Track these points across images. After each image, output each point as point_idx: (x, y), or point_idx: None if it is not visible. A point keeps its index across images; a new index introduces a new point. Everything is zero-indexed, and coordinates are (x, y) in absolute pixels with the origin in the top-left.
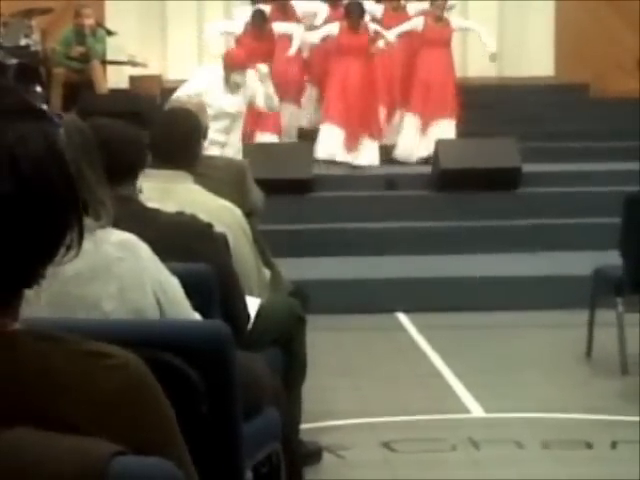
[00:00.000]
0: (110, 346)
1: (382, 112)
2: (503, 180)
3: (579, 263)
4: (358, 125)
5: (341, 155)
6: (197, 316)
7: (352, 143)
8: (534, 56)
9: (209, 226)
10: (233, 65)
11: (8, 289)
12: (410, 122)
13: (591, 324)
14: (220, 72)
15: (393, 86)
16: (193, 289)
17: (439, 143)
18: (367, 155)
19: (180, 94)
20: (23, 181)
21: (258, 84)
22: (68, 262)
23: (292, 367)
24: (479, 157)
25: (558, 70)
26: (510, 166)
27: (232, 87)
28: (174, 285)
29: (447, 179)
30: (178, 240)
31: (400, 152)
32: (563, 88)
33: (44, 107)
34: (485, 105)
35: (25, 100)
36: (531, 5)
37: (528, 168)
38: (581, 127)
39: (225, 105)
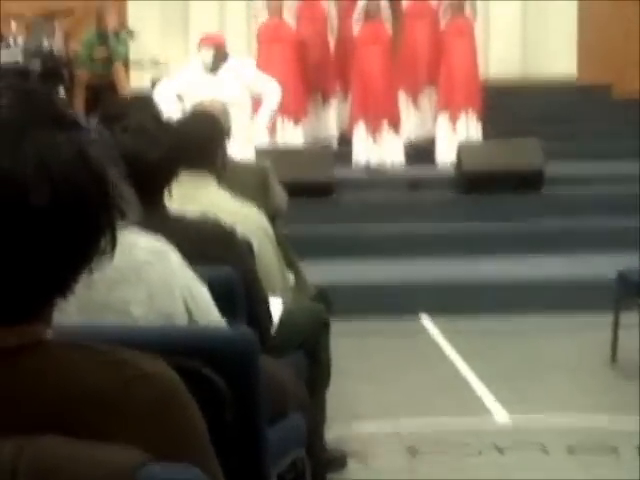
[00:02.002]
0: (143, 355)
1: (404, 99)
2: (526, 181)
3: (604, 265)
4: (379, 113)
5: (368, 154)
6: (225, 324)
7: (375, 132)
8: (557, 57)
9: (232, 231)
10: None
11: (42, 299)
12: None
13: (616, 327)
14: (201, 65)
15: (417, 73)
16: (218, 293)
17: (462, 145)
18: (391, 151)
19: (160, 97)
20: (55, 190)
21: (255, 73)
22: (101, 268)
23: (316, 372)
24: (502, 159)
25: (581, 71)
26: (533, 167)
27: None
28: (203, 292)
29: (470, 181)
30: (202, 245)
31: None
32: (586, 89)
33: (74, 113)
34: (508, 106)
35: (58, 108)
36: (554, 5)
37: (551, 169)
38: (604, 127)
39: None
